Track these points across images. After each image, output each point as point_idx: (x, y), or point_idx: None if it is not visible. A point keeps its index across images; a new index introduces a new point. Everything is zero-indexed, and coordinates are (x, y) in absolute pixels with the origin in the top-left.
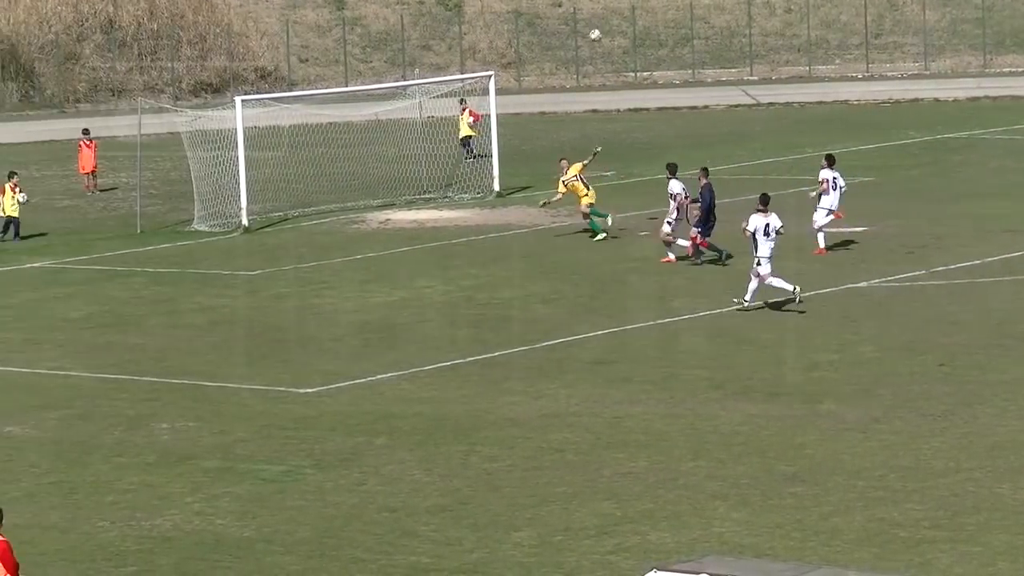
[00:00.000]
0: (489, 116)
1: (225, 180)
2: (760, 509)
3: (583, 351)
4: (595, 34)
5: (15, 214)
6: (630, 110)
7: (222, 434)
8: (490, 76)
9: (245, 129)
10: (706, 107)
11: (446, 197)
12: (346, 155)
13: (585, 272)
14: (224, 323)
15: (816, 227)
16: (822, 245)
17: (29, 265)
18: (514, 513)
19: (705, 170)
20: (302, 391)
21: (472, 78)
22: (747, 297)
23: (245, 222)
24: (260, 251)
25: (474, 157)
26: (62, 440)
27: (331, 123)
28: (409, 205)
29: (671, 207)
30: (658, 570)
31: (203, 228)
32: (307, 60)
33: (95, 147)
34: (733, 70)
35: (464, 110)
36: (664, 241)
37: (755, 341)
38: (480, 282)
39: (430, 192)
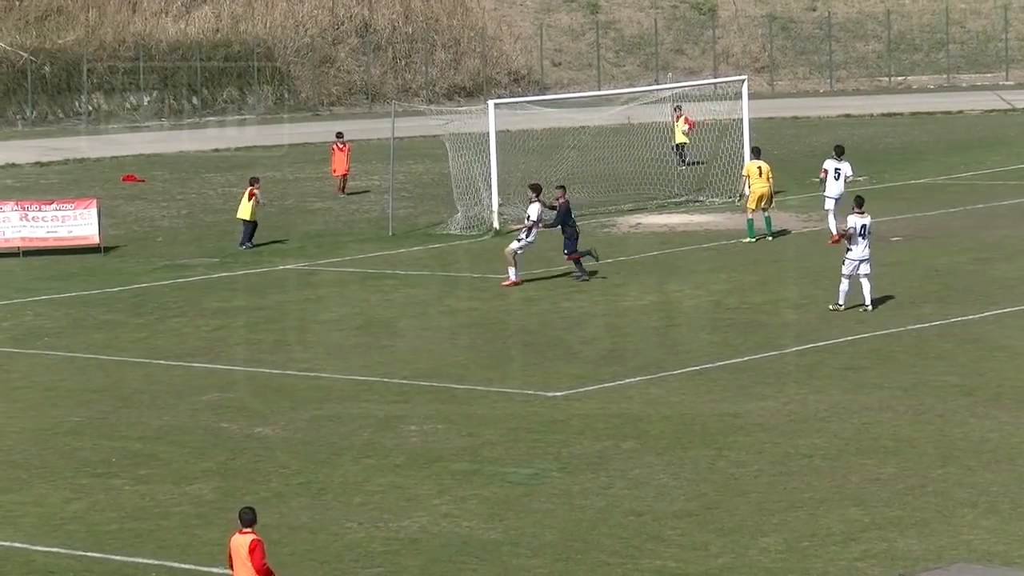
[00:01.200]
0: (742, 120)
1: (477, 183)
2: (1010, 517)
3: (833, 356)
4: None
5: (251, 217)
6: (883, 115)
7: (470, 436)
8: (743, 80)
9: (497, 132)
10: (960, 112)
11: (697, 201)
12: (597, 158)
13: (835, 277)
14: (474, 326)
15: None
16: (834, 232)
17: (282, 267)
18: (761, 518)
19: (563, 188)
20: (550, 394)
21: (725, 82)
22: (840, 300)
23: (496, 225)
24: None
25: (687, 165)
26: (312, 441)
27: (583, 126)
28: (660, 209)
29: (523, 227)
30: None
31: (454, 231)
32: (560, 64)
33: (348, 150)
34: (988, 75)
35: (679, 117)
36: (508, 259)
37: (1007, 348)
38: (730, 287)
39: (681, 196)
